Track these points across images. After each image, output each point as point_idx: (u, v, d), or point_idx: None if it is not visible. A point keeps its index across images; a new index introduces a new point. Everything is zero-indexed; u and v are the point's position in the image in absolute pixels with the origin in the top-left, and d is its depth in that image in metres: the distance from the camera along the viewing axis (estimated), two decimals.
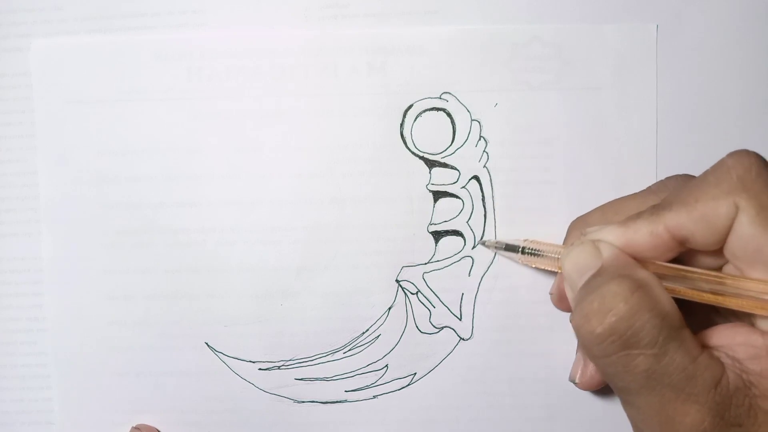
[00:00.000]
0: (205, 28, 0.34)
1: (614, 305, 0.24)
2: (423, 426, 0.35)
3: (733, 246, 0.25)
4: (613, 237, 0.27)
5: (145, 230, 0.34)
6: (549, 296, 0.33)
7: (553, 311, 0.33)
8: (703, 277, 0.26)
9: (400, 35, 0.34)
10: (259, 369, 0.35)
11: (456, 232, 0.34)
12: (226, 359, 0.35)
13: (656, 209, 0.26)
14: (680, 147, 0.34)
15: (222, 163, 0.34)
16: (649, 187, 0.30)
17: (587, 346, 0.25)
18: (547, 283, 0.34)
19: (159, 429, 0.35)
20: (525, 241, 0.32)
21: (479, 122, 0.34)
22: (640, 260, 0.27)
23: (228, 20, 0.34)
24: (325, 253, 0.34)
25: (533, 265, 0.32)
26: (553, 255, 0.31)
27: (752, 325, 0.26)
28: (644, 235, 0.26)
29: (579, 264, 0.27)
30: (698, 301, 0.26)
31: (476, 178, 0.34)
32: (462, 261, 0.34)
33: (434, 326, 0.35)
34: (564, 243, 0.32)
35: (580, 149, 0.34)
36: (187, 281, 0.34)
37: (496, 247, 0.34)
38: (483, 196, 0.34)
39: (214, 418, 0.35)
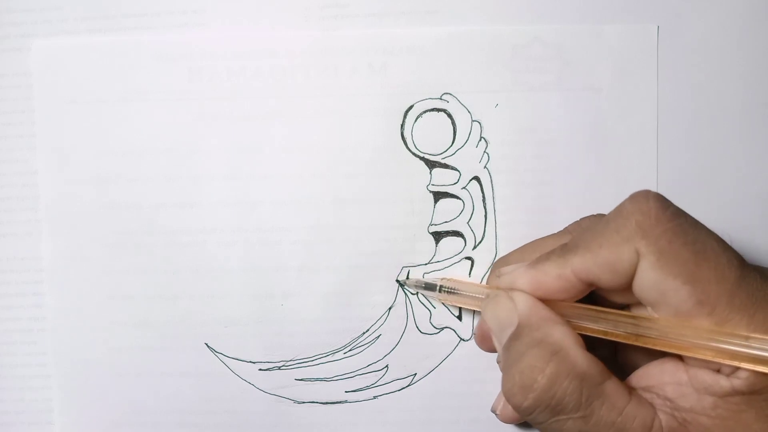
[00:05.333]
0: (205, 28, 0.34)
1: (533, 379, 0.25)
2: (423, 426, 0.35)
3: (638, 289, 0.25)
4: (524, 280, 0.27)
5: (146, 230, 0.34)
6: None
7: None
8: (618, 318, 0.26)
9: (400, 35, 0.34)
10: (260, 369, 0.35)
11: (456, 233, 0.34)
12: (226, 360, 0.35)
13: (563, 251, 0.27)
14: (680, 147, 0.34)
15: (222, 163, 0.34)
16: (567, 227, 0.31)
17: (521, 415, 0.26)
18: None
19: (159, 430, 0.35)
20: (443, 279, 0.33)
21: (480, 123, 0.34)
22: (553, 302, 0.27)
23: (228, 21, 0.34)
24: (325, 253, 0.34)
25: (451, 303, 0.33)
26: (469, 294, 0.31)
27: (679, 358, 0.26)
28: (553, 278, 0.26)
29: (498, 319, 0.28)
30: (617, 340, 0.26)
31: (477, 178, 0.34)
32: (462, 262, 0.34)
33: (434, 327, 0.35)
34: (487, 282, 0.33)
35: (581, 150, 0.34)
36: (187, 282, 0.34)
37: (416, 286, 0.34)
38: (483, 196, 0.34)
39: (214, 418, 0.35)
